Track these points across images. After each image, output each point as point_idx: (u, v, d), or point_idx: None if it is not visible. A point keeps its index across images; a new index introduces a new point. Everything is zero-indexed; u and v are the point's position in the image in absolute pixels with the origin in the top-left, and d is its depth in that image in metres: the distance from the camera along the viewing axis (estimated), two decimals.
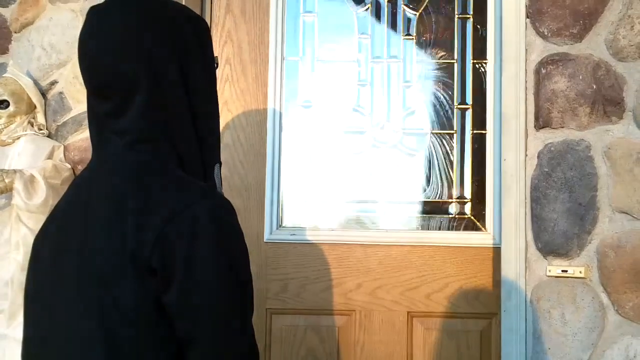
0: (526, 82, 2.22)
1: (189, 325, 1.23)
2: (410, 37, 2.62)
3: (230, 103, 2.55)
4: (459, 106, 2.60)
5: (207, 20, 2.57)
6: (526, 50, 2.22)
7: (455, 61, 2.62)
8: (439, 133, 2.60)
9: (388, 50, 2.64)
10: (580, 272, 2.12)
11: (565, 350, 2.11)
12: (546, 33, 2.21)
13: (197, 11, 2.63)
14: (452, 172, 2.60)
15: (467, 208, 2.58)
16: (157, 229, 1.22)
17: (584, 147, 2.14)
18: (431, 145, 2.59)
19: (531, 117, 2.21)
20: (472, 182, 2.57)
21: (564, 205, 2.15)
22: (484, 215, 2.53)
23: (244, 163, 2.55)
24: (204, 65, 1.44)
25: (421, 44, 2.62)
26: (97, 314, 1.23)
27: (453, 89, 2.62)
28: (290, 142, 2.63)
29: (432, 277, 2.51)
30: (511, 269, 2.20)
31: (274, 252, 2.51)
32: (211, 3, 2.66)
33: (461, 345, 2.49)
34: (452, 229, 2.57)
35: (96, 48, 1.34)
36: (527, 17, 2.23)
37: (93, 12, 1.38)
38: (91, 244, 1.27)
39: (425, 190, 2.60)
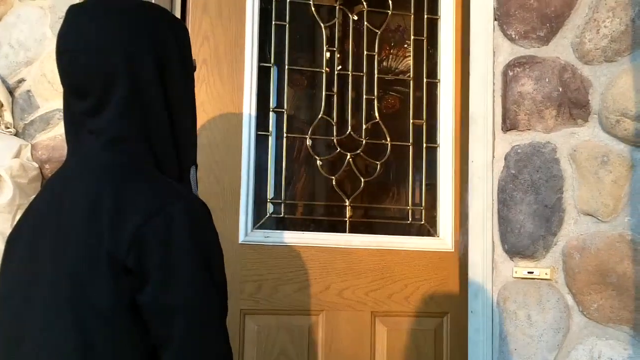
0: (494, 84, 2.23)
1: (164, 325, 1.24)
2: (372, 52, 2.73)
3: (207, 104, 2.55)
4: (414, 121, 2.74)
5: (183, 20, 2.56)
6: (494, 52, 2.24)
7: (410, 79, 2.76)
8: (397, 144, 2.73)
9: (353, 64, 2.74)
10: (546, 274, 2.13)
11: (531, 351, 2.13)
12: (514, 36, 2.22)
13: (173, 11, 2.62)
14: (409, 181, 2.74)
15: (422, 215, 2.74)
16: (132, 229, 1.22)
17: (550, 149, 2.16)
18: (391, 155, 2.72)
19: (498, 119, 2.22)
20: (426, 192, 2.74)
21: (531, 207, 2.16)
22: (437, 222, 2.71)
23: (219, 164, 2.54)
24: (182, 67, 1.44)
25: (382, 60, 2.76)
26: (72, 315, 1.23)
27: (409, 104, 2.76)
28: (264, 146, 2.65)
29: (392, 279, 2.62)
30: (478, 270, 2.21)
31: (249, 253, 2.52)
32: (187, 3, 2.65)
33: (418, 341, 2.62)
34: (408, 235, 2.72)
35: (75, 46, 1.34)
36: (495, 19, 2.24)
37: (72, 10, 1.38)
38: (66, 244, 1.27)
39: (385, 198, 2.75)
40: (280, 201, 2.65)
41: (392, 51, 2.85)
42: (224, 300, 1.33)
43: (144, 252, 1.23)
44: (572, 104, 2.15)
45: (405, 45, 2.81)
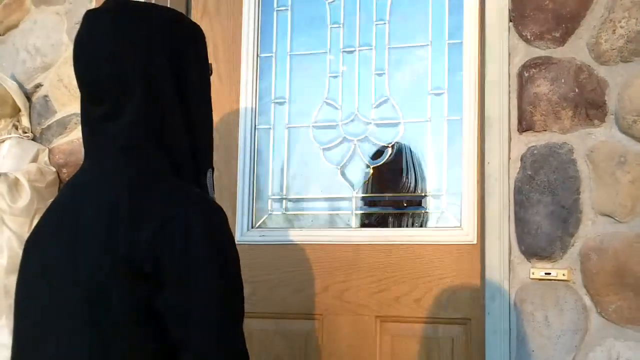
0: (509, 85, 2.22)
1: (181, 330, 1.24)
2: (383, 22, 2.54)
3: None
4: (433, 92, 2.48)
5: None
6: (509, 53, 2.23)
7: (429, 44, 2.50)
8: (412, 122, 2.48)
9: (360, 38, 2.56)
10: (564, 275, 2.12)
11: (549, 352, 2.12)
12: (529, 37, 2.21)
13: (188, 14, 2.62)
14: (426, 163, 2.46)
15: (442, 202, 2.44)
16: (150, 234, 1.23)
17: (567, 150, 2.15)
18: (404, 136, 2.49)
19: (514, 121, 2.21)
20: (447, 174, 2.43)
21: (547, 208, 2.15)
22: (460, 209, 2.39)
23: (217, 164, 2.52)
24: (198, 71, 1.45)
25: (394, 29, 2.54)
26: (88, 320, 1.24)
27: (427, 74, 2.48)
28: (264, 140, 2.60)
29: (401, 278, 2.36)
30: (495, 271, 2.20)
31: (244, 254, 2.44)
32: (189, 6, 2.65)
33: (432, 353, 2.31)
34: (425, 225, 2.44)
35: (92, 51, 1.35)
36: (510, 20, 2.24)
37: (90, 15, 1.39)
38: (82, 250, 1.27)
39: (397, 185, 2.50)
40: (280, 197, 2.57)
41: (403, 19, 2.53)
42: (241, 304, 1.33)
43: (161, 257, 1.23)
44: (589, 105, 2.14)
45: (423, 8, 2.49)
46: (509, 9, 2.24)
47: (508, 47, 2.23)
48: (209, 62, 1.52)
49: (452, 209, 2.42)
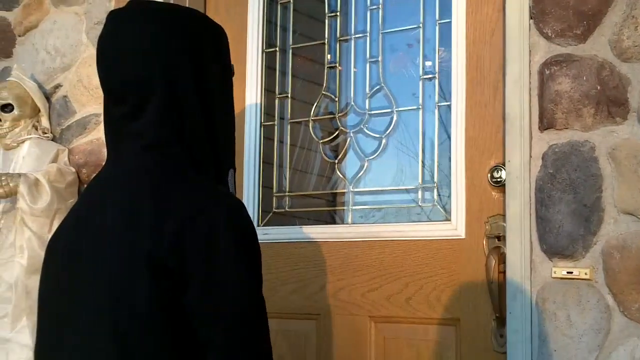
0: (530, 83, 2.21)
1: (208, 326, 1.25)
2: (375, 7, 2.49)
3: None
4: (424, 77, 2.42)
5: None
6: (530, 51, 2.21)
7: (419, 26, 2.43)
8: (404, 110, 2.44)
9: (356, 26, 2.52)
10: (586, 274, 2.11)
11: (571, 352, 2.11)
12: (550, 34, 2.20)
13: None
14: (418, 153, 2.40)
15: (433, 195, 2.37)
16: (175, 231, 1.23)
17: (589, 148, 2.13)
18: (396, 125, 2.44)
19: (535, 119, 2.20)
20: (438, 164, 2.36)
21: (569, 206, 2.14)
22: (449, 202, 2.31)
23: None
24: (220, 72, 1.46)
25: (387, 14, 2.50)
26: (110, 318, 1.24)
27: (419, 57, 2.41)
28: (268, 137, 2.60)
29: (392, 276, 2.30)
30: (516, 270, 2.19)
31: None
32: (207, 5, 2.66)
33: (422, 355, 2.24)
34: (416, 220, 2.37)
35: (114, 51, 1.36)
36: (531, 17, 2.22)
37: (113, 16, 1.41)
38: (105, 248, 1.28)
39: (390, 177, 2.47)
40: (282, 194, 2.56)
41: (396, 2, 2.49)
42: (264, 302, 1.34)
43: (186, 254, 1.24)
44: (611, 102, 2.12)
45: None
46: (530, 6, 2.22)
47: (529, 44, 2.21)
48: (232, 63, 1.52)
49: (442, 201, 2.36)
